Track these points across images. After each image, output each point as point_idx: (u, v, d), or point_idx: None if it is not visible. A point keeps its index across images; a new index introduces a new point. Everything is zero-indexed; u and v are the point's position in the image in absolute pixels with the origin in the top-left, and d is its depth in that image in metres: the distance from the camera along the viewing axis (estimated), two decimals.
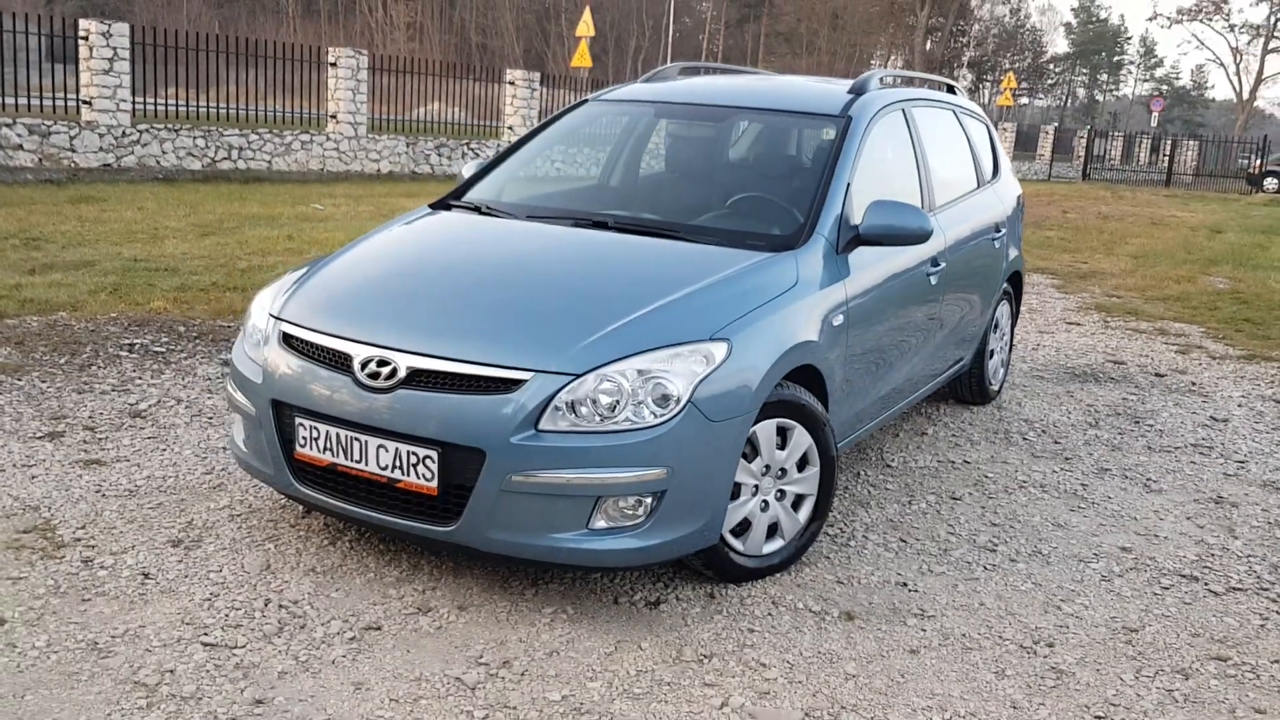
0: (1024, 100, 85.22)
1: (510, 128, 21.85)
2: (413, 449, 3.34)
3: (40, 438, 4.72)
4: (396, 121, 20.39)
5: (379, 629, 3.32)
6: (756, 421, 3.58)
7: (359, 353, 3.48)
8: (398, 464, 3.37)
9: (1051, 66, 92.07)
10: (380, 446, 3.39)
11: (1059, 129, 42.18)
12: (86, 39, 15.14)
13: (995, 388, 6.46)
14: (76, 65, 15.29)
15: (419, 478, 3.35)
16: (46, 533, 3.82)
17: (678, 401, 3.32)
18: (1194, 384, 7.26)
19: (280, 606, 3.41)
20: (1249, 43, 70.43)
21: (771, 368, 3.58)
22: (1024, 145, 38.97)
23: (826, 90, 5.08)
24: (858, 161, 4.45)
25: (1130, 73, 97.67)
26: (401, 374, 3.39)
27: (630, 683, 3.11)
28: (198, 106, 17.34)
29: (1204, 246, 16.17)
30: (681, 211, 4.64)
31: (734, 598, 3.67)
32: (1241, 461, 5.61)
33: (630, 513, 3.34)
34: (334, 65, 18.52)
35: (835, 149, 4.46)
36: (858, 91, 4.85)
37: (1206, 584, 4.08)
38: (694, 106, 5.18)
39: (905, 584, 3.89)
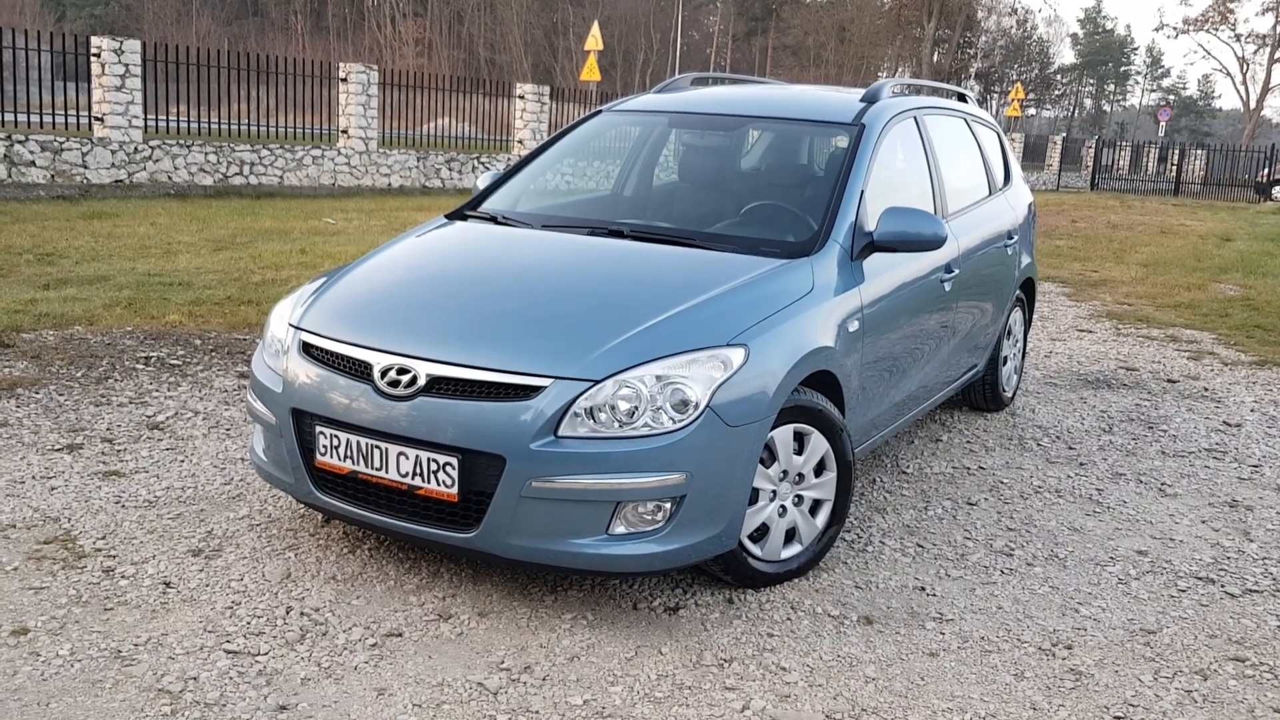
0: (1031, 111, 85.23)
1: (520, 141, 21.93)
2: (433, 456, 3.36)
3: (59, 450, 4.76)
4: (407, 136, 20.49)
5: (400, 636, 3.34)
6: (774, 427, 3.60)
7: (379, 361, 3.51)
8: (418, 471, 3.39)
9: (1059, 77, 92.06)
10: (400, 454, 3.41)
11: (1067, 139, 42.16)
12: (99, 56, 15.24)
13: (1009, 394, 6.47)
14: (87, 83, 15.39)
15: (439, 485, 3.37)
16: (67, 543, 3.84)
17: (696, 407, 3.33)
18: (1206, 390, 7.25)
19: (302, 614, 3.43)
20: (1255, 52, 70.35)
21: (788, 373, 3.59)
22: (1032, 155, 38.97)
23: (839, 99, 5.11)
24: (871, 169, 4.47)
25: (1137, 83, 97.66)
26: (421, 382, 3.41)
27: (651, 687, 3.13)
28: (209, 123, 17.45)
29: (1214, 254, 16.15)
30: (696, 219, 4.67)
31: (752, 603, 3.68)
32: (1255, 466, 5.61)
33: (649, 518, 3.36)
34: (345, 81, 18.62)
35: (849, 156, 4.48)
36: (870, 100, 4.87)
37: (1223, 586, 4.07)
38: (707, 116, 5.21)
39: (923, 588, 3.89)
